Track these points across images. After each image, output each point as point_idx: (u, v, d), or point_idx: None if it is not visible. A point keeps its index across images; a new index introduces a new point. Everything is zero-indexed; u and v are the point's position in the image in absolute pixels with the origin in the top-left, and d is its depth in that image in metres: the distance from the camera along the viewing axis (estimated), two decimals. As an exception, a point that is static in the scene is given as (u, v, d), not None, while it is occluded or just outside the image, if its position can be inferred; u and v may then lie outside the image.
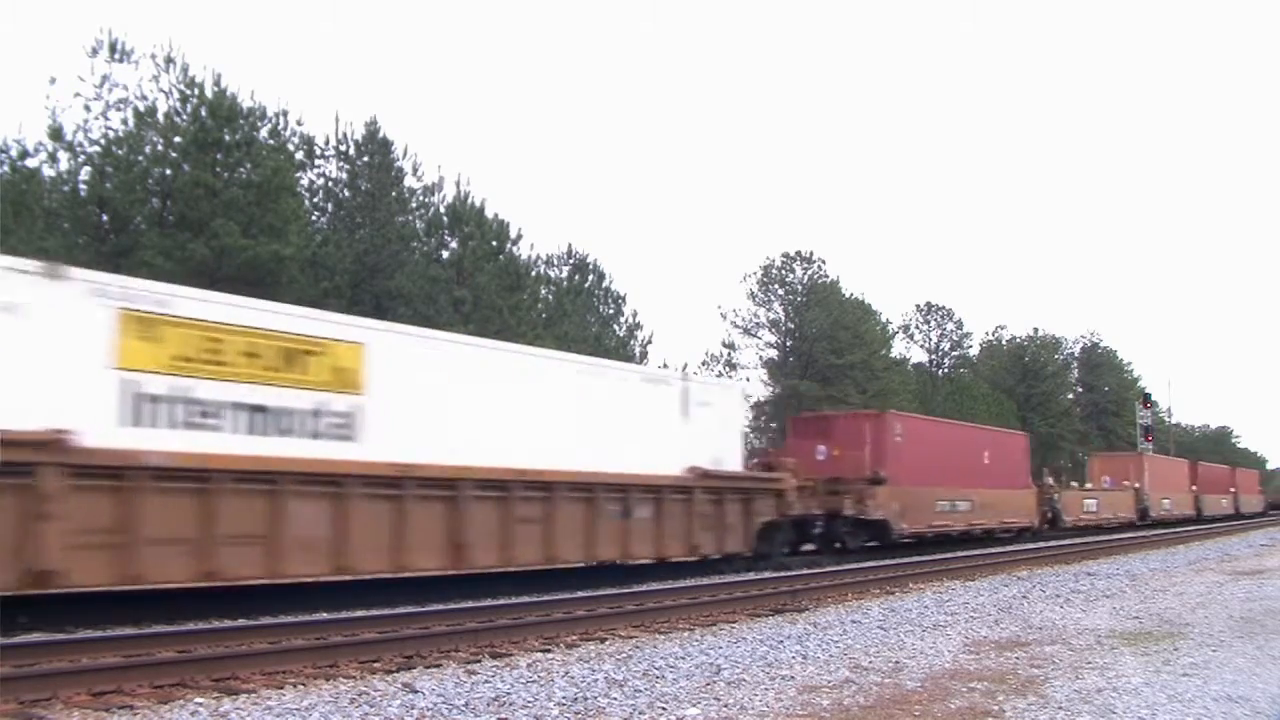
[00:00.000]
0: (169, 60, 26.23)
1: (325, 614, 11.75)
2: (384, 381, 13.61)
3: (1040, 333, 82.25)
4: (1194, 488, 50.74)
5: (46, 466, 10.30)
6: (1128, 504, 41.33)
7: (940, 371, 74.22)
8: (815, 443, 24.81)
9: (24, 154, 24.40)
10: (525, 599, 13.38)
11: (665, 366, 46.04)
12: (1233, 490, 57.20)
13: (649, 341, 44.59)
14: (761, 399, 59.12)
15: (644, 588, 15.27)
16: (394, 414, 13.65)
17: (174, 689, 7.49)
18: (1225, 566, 20.74)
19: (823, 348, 55.16)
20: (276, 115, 28.42)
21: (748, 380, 57.62)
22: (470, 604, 12.73)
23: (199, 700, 7.13)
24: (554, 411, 15.96)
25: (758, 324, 59.17)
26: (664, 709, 6.94)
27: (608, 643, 10.15)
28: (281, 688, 7.67)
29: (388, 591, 13.87)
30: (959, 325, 77.20)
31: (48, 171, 25.01)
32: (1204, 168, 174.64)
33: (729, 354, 57.39)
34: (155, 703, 7.07)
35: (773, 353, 59.29)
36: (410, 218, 33.06)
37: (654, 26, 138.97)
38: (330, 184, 32.81)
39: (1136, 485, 43.22)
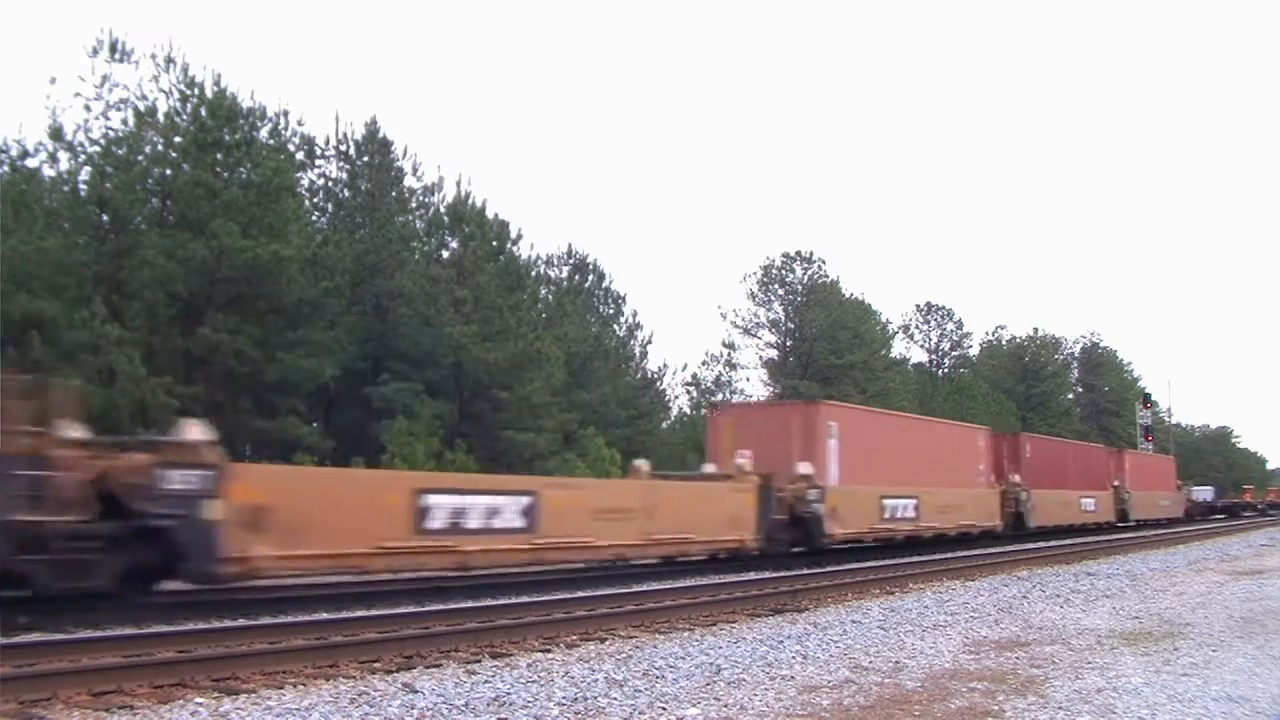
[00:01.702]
0: (169, 60, 26.27)
1: (325, 614, 11.74)
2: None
3: (1040, 333, 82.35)
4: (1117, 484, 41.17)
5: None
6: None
7: (940, 371, 74.27)
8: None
9: (24, 154, 24.45)
10: (525, 599, 13.38)
11: (665, 366, 46.12)
12: (1116, 485, 40.87)
13: (649, 341, 44.70)
14: (762, 399, 59.15)
15: (644, 588, 15.28)
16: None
17: (174, 689, 7.49)
18: (1225, 566, 20.74)
19: (823, 348, 55.19)
20: (276, 115, 28.47)
21: (748, 380, 57.76)
22: (470, 604, 12.72)
23: (199, 700, 7.13)
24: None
25: (758, 324, 59.23)
26: (664, 709, 6.94)
27: (608, 643, 10.15)
28: (281, 688, 7.67)
29: (388, 591, 13.87)
30: (959, 325, 77.33)
31: (48, 171, 25.08)
32: (1204, 168, 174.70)
33: (729, 354, 57.43)
34: (155, 703, 7.07)
35: (773, 353, 59.33)
36: (410, 218, 33.10)
37: (654, 26, 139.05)
38: (330, 184, 32.87)
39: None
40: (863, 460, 23.30)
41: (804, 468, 21.24)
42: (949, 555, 22.67)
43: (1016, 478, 30.60)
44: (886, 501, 24.04)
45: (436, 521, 13.75)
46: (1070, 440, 46.25)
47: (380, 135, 32.79)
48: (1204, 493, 65.32)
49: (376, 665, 8.64)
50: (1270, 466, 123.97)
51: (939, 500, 26.32)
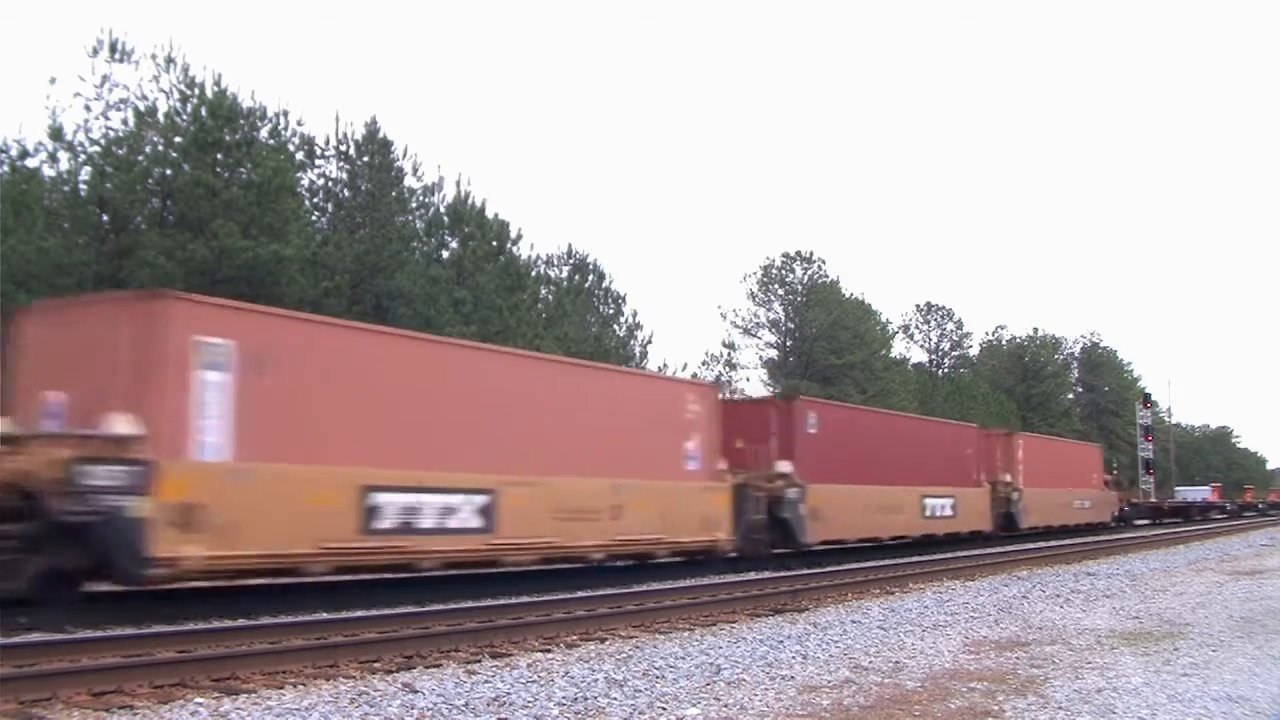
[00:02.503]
0: (169, 60, 26.22)
1: (325, 614, 11.75)
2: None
3: (1040, 333, 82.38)
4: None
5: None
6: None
7: (940, 371, 74.27)
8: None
9: (24, 154, 24.39)
10: (525, 599, 13.38)
11: (665, 367, 46.09)
12: (1000, 480, 31.64)
13: (649, 341, 44.59)
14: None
15: (644, 588, 15.28)
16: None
17: (174, 689, 7.49)
18: (1225, 566, 20.74)
19: (823, 348, 55.21)
20: (277, 115, 28.41)
21: (748, 380, 57.78)
22: (470, 604, 12.72)
23: (199, 700, 7.13)
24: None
25: (758, 324, 59.27)
26: (664, 709, 6.94)
27: (608, 643, 10.15)
28: (281, 688, 7.67)
29: (388, 592, 13.87)
30: (959, 325, 77.33)
31: (48, 171, 25.02)
32: (1204, 168, 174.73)
33: (729, 354, 57.46)
34: (155, 703, 7.07)
35: (773, 353, 59.36)
36: (410, 218, 33.03)
37: (654, 26, 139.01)
38: (330, 184, 32.78)
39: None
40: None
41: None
42: (949, 555, 22.68)
43: (786, 466, 21.27)
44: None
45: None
46: (907, 415, 35.92)
47: (380, 135, 32.71)
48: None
49: (376, 665, 8.64)
50: (1270, 466, 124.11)
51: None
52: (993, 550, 25.59)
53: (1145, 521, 49.28)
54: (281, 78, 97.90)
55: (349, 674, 8.25)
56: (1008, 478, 29.80)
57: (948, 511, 27.19)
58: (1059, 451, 38.69)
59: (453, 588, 14.34)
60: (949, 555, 22.61)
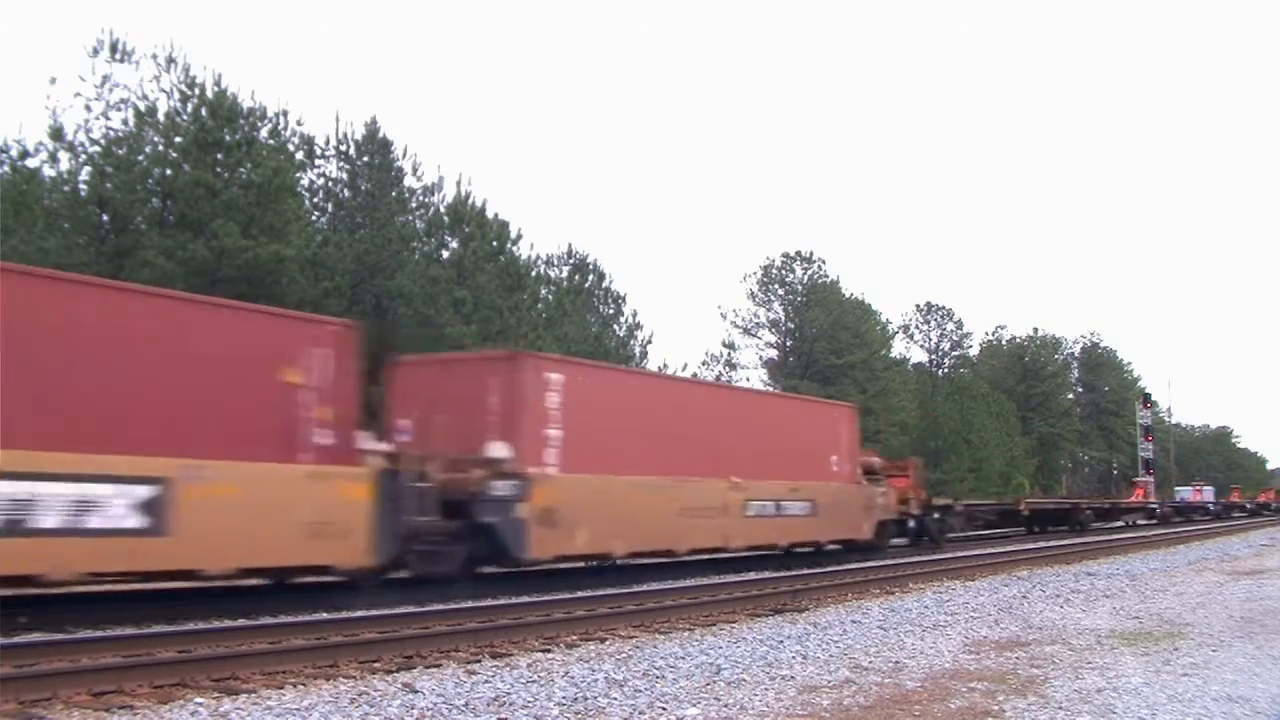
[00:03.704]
0: (170, 60, 26.25)
1: (325, 614, 11.75)
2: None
3: (1040, 333, 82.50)
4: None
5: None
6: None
7: (940, 371, 74.35)
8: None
9: (24, 154, 24.42)
10: (525, 599, 13.38)
11: (665, 367, 46.08)
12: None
13: (649, 341, 44.64)
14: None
15: (644, 588, 15.27)
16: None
17: (174, 689, 7.49)
18: (1225, 566, 20.74)
19: (823, 348, 55.25)
20: (277, 115, 28.45)
21: (748, 380, 57.80)
22: (470, 604, 12.71)
23: (199, 700, 7.13)
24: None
25: (758, 324, 59.32)
26: (664, 709, 6.94)
27: (608, 643, 10.15)
28: (281, 688, 7.67)
29: (388, 591, 13.85)
30: (959, 325, 77.42)
31: (48, 171, 25.04)
32: (1204, 168, 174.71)
33: (729, 354, 57.51)
34: (155, 703, 7.07)
35: (773, 353, 59.39)
36: (410, 218, 33.04)
37: (654, 27, 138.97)
38: (330, 184, 32.80)
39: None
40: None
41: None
42: (949, 555, 22.66)
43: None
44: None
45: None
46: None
47: (380, 135, 32.74)
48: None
49: (376, 665, 8.65)
50: (1270, 466, 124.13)
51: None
52: (993, 550, 25.43)
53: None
54: (281, 78, 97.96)
55: (349, 674, 8.25)
56: (504, 451, 15.44)
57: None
58: (706, 404, 20.58)
59: (453, 588, 14.32)
60: (949, 555, 22.51)
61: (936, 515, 27.25)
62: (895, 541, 25.10)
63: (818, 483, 21.33)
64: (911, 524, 26.07)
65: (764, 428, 20.42)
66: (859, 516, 22.61)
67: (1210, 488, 69.18)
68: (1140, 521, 44.60)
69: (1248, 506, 64.66)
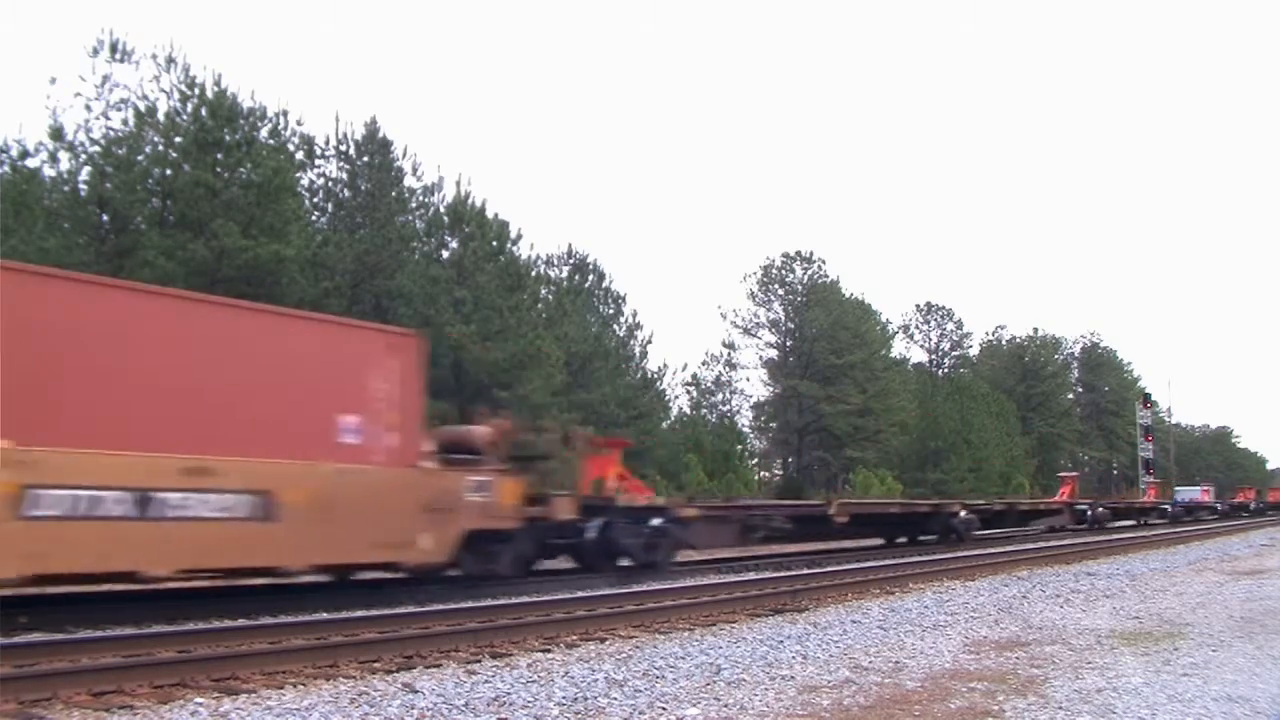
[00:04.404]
0: (170, 60, 26.25)
1: (325, 614, 11.75)
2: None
3: (1040, 333, 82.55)
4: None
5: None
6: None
7: (940, 371, 74.42)
8: None
9: (24, 154, 24.42)
10: (525, 599, 13.38)
11: (665, 366, 46.11)
12: None
13: (649, 341, 44.67)
14: (762, 399, 59.20)
15: (644, 587, 15.27)
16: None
17: (174, 689, 7.49)
18: (1225, 566, 20.74)
19: (823, 348, 55.27)
20: (277, 115, 28.45)
21: (747, 380, 57.85)
22: (470, 604, 12.71)
23: (199, 700, 7.14)
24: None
25: (758, 324, 59.38)
26: (664, 709, 6.94)
27: (608, 643, 10.15)
28: (281, 688, 7.67)
29: (388, 591, 13.86)
30: (959, 325, 77.56)
31: (48, 171, 25.04)
32: (1204, 167, 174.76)
33: (729, 354, 57.54)
34: (155, 703, 7.07)
35: (773, 353, 59.43)
36: (410, 218, 33.05)
37: (654, 27, 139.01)
38: (330, 184, 32.82)
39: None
40: None
41: None
42: (949, 555, 22.62)
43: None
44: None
45: None
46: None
47: (380, 135, 32.77)
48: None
49: (376, 665, 8.65)
50: (1270, 466, 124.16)
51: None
52: (993, 550, 25.37)
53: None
54: (281, 78, 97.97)
55: (349, 674, 8.25)
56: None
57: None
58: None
59: (454, 588, 14.33)
60: (949, 555, 22.49)
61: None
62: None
63: (290, 461, 12.26)
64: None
65: (142, 355, 11.25)
66: (407, 522, 13.54)
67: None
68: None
69: (1251, 506, 65.19)
